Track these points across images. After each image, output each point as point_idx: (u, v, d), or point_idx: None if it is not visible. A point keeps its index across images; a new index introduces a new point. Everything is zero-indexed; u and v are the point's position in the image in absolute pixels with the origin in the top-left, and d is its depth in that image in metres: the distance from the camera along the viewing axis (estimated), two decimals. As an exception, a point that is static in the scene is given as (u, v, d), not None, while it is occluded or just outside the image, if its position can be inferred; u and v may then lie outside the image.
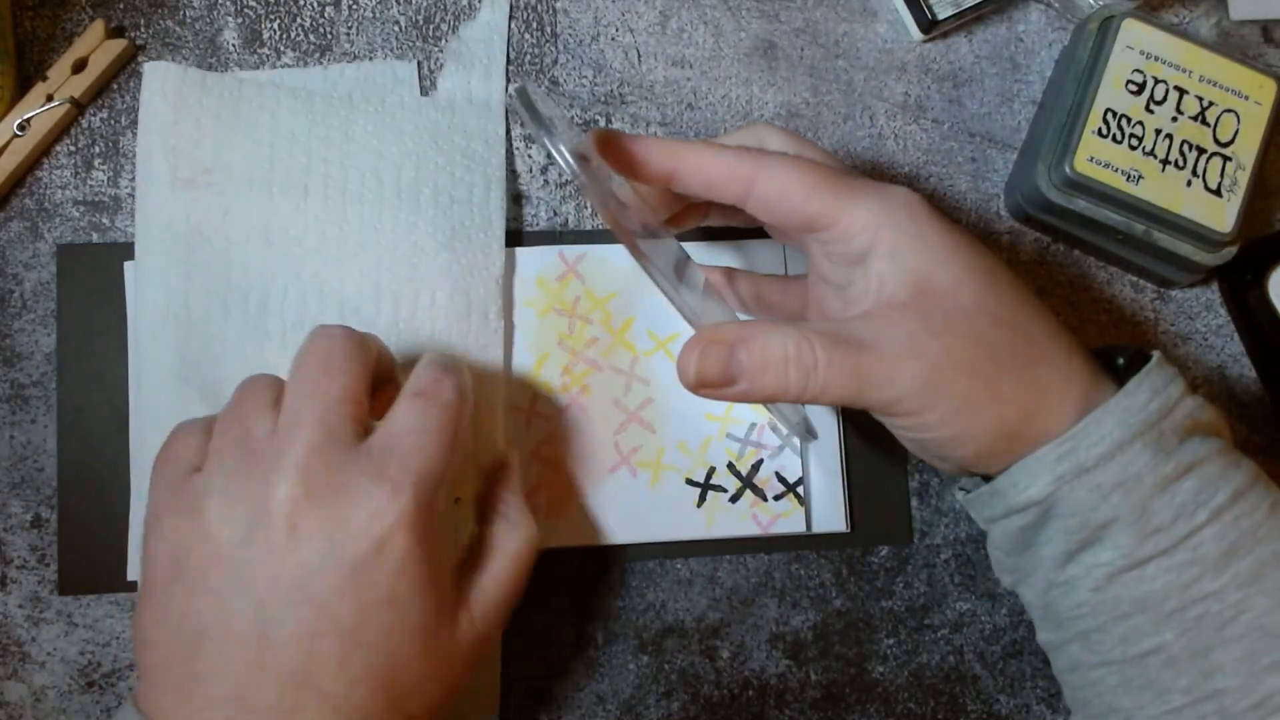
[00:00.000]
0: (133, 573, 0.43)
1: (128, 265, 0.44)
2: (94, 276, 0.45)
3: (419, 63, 0.47)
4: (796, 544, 0.46)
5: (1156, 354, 0.36)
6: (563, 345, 0.45)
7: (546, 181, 0.47)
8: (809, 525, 0.45)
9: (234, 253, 0.43)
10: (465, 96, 0.46)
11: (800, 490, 0.45)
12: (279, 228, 0.44)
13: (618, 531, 0.45)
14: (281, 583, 0.32)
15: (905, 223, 0.35)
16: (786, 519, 0.45)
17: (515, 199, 0.47)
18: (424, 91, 0.47)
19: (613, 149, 0.37)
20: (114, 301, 0.44)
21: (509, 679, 0.45)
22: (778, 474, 0.45)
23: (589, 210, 0.47)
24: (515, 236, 0.46)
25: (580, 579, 0.46)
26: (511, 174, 0.47)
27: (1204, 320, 0.49)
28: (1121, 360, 0.38)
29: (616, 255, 0.46)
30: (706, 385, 0.35)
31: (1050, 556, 0.36)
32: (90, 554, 0.43)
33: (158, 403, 0.42)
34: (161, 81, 0.44)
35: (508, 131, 0.47)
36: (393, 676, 0.33)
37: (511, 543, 0.38)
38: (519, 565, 0.38)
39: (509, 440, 0.44)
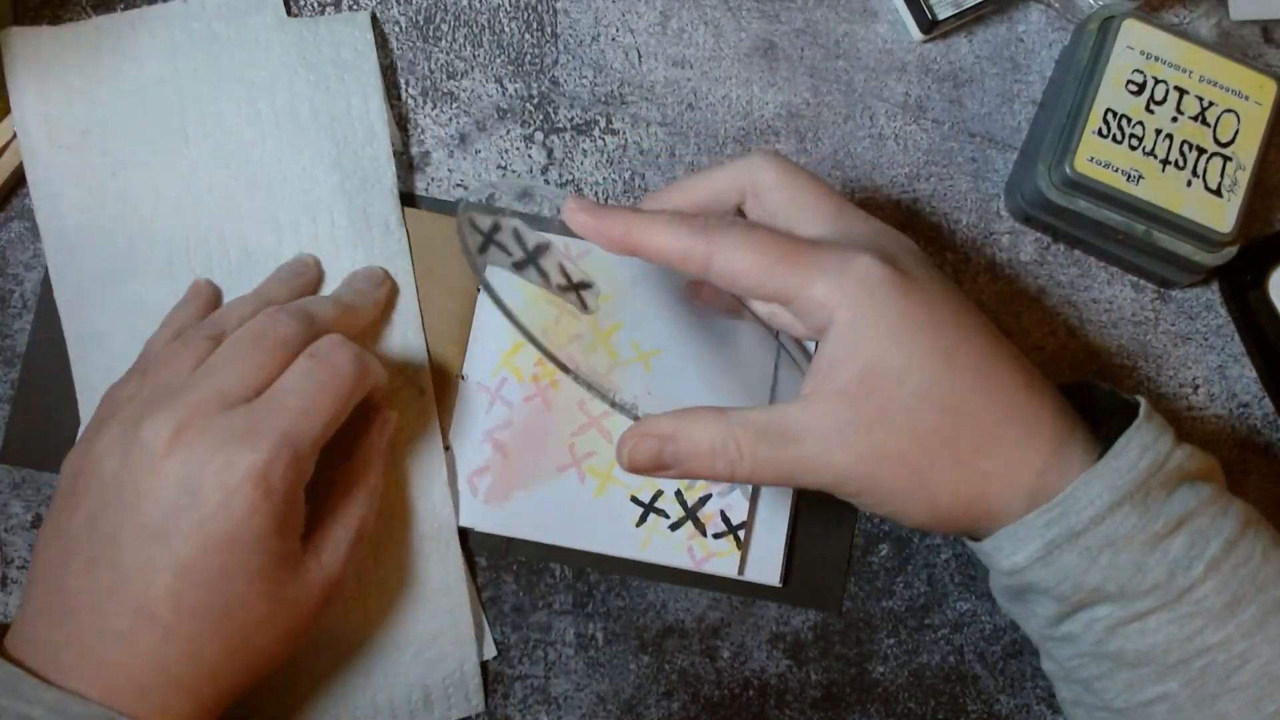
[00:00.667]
0: None
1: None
2: None
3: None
4: (725, 586, 0.45)
5: (1143, 405, 0.36)
6: (544, 335, 0.45)
7: (547, 181, 0.47)
8: (741, 570, 0.45)
9: (130, 213, 0.43)
10: (330, 3, 0.46)
11: (740, 534, 0.45)
12: (167, 177, 0.44)
13: (552, 532, 0.45)
14: (138, 517, 0.34)
15: (862, 302, 0.34)
16: (721, 559, 0.45)
17: (517, 198, 0.47)
18: (290, 10, 0.46)
19: (580, 225, 0.37)
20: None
21: (508, 678, 0.45)
22: (723, 513, 0.45)
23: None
24: (527, 220, 0.46)
25: (581, 579, 0.46)
26: (511, 173, 0.47)
27: (1204, 320, 0.49)
28: (1101, 403, 0.38)
29: (618, 258, 0.46)
30: (639, 471, 0.36)
31: (1045, 615, 0.36)
32: (38, 433, 0.44)
33: (92, 370, 0.43)
34: (20, 48, 0.44)
35: (377, 36, 0.46)
36: (230, 614, 0.35)
37: (364, 490, 0.40)
38: (367, 512, 0.40)
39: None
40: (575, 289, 0.44)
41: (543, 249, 0.43)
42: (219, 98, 0.44)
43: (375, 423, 0.41)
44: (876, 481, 0.35)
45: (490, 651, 0.44)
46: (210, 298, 0.43)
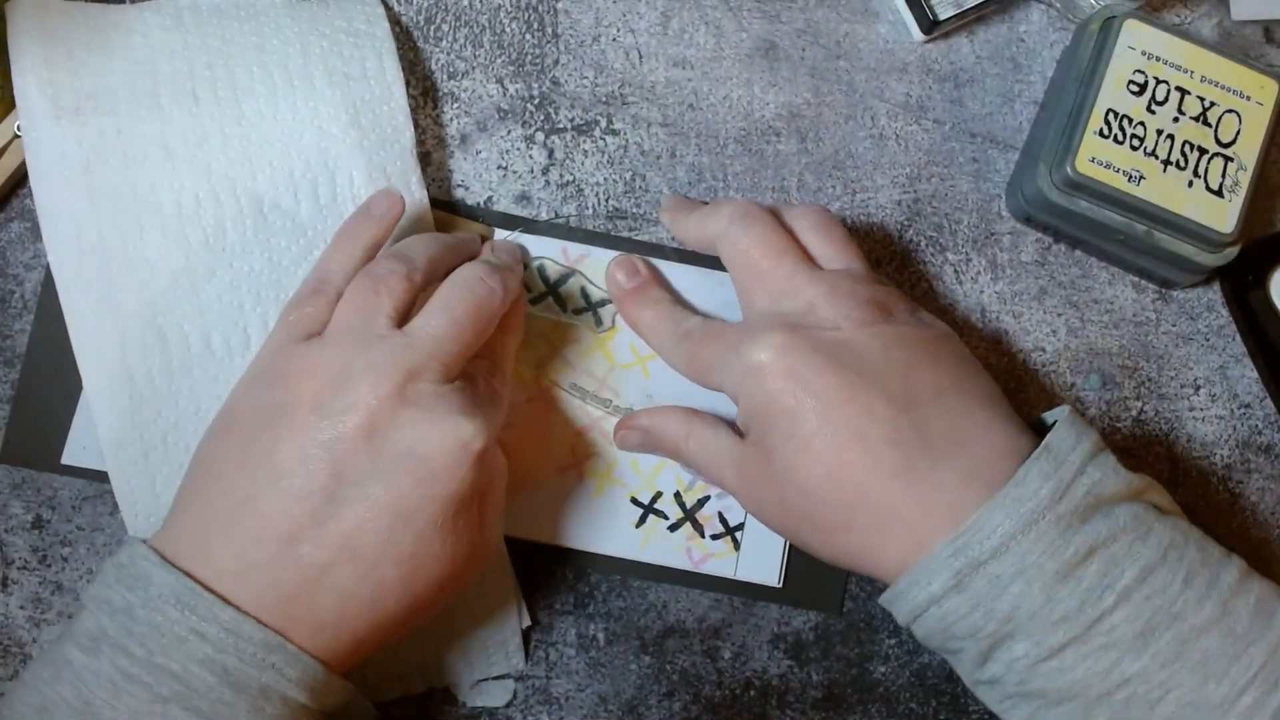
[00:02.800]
0: (68, 457, 0.43)
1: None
2: None
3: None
4: (723, 587, 0.45)
5: (1053, 431, 0.37)
6: (545, 338, 0.45)
7: (548, 182, 0.47)
8: (739, 571, 0.45)
9: (135, 169, 0.43)
10: None
11: (738, 535, 0.45)
12: (176, 136, 0.43)
13: (553, 532, 0.45)
14: (360, 458, 0.35)
15: (747, 395, 0.39)
16: (718, 560, 0.45)
17: (518, 199, 0.47)
18: None
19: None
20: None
21: (509, 678, 0.45)
22: (721, 514, 0.45)
23: (591, 211, 0.47)
24: (527, 223, 0.46)
25: (582, 579, 0.46)
26: (512, 173, 0.47)
27: (1205, 321, 0.49)
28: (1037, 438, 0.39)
29: (665, 270, 0.46)
30: (629, 450, 0.45)
31: (969, 658, 0.37)
32: (36, 431, 0.44)
33: (97, 333, 0.42)
34: (25, 17, 0.43)
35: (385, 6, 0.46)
36: (421, 566, 0.36)
37: (500, 457, 0.40)
38: (501, 496, 0.40)
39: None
40: (593, 308, 0.45)
41: (564, 278, 0.45)
42: (230, 64, 0.44)
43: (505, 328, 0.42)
44: (768, 525, 0.41)
45: (526, 620, 0.45)
46: (399, 217, 0.42)
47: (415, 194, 0.44)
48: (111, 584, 0.34)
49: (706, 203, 0.45)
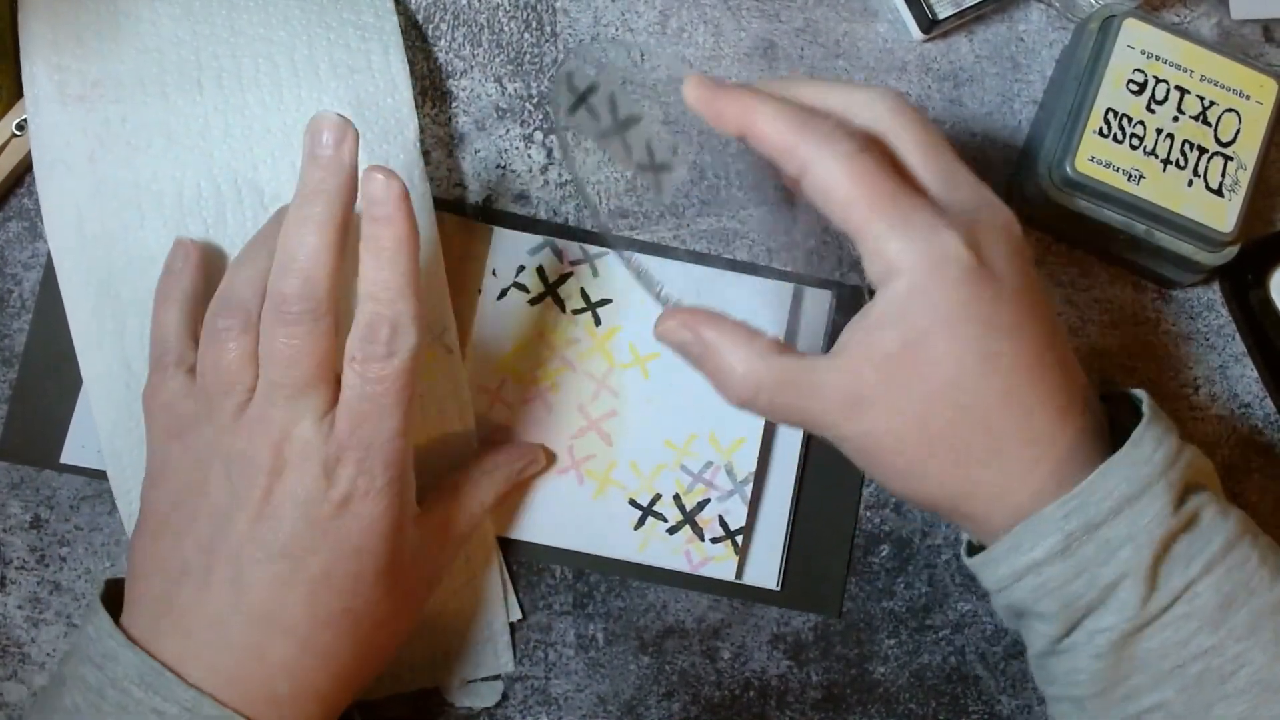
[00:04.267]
0: (67, 456, 0.43)
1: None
2: None
3: None
4: (723, 590, 0.45)
5: (1146, 400, 0.36)
6: (543, 339, 0.45)
7: (547, 182, 0.47)
8: (739, 575, 0.45)
9: (138, 158, 0.43)
10: None
11: (738, 539, 0.45)
12: (179, 126, 0.43)
13: (551, 533, 0.45)
14: (257, 539, 0.35)
15: (927, 277, 0.33)
16: (718, 564, 0.45)
17: (516, 198, 0.47)
18: None
19: (696, 100, 0.37)
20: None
21: (508, 678, 0.45)
22: (721, 517, 0.45)
23: (590, 212, 0.47)
24: (526, 222, 0.46)
25: (581, 579, 0.45)
26: (511, 172, 0.47)
27: (1205, 320, 0.49)
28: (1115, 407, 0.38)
29: (618, 262, 0.46)
30: (663, 342, 0.38)
31: (1051, 629, 0.35)
32: (35, 430, 0.44)
33: (96, 321, 0.42)
34: (37, 2, 0.43)
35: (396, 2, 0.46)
36: (360, 617, 0.36)
37: (468, 495, 0.42)
38: (471, 512, 0.41)
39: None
40: (655, 169, 0.43)
41: (633, 120, 0.41)
42: (236, 54, 0.44)
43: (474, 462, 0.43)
44: (874, 455, 0.35)
45: (515, 614, 0.45)
46: (199, 259, 0.41)
47: (419, 188, 0.44)
48: (85, 660, 0.35)
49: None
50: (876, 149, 0.35)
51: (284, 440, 0.35)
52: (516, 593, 0.45)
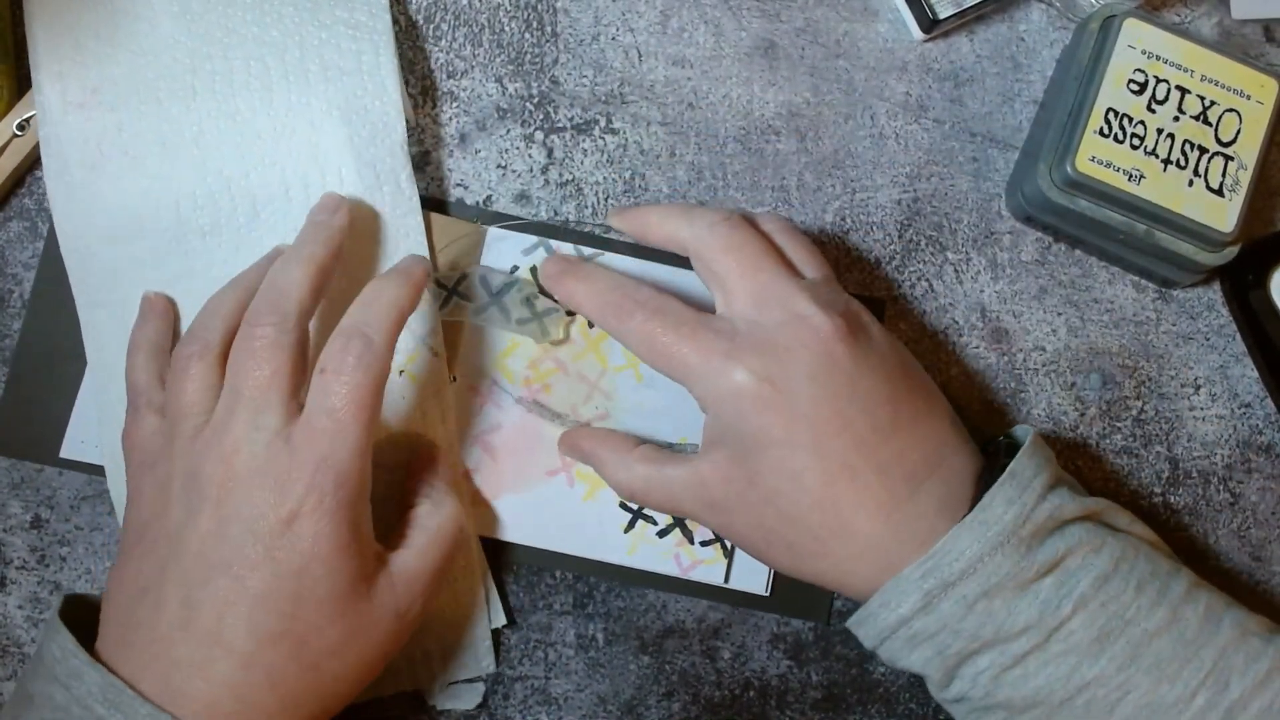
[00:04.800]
0: (66, 451, 0.44)
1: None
2: None
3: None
4: (712, 594, 0.45)
5: (1019, 454, 0.38)
6: (535, 340, 0.45)
7: (547, 181, 0.47)
8: (727, 579, 0.45)
9: (137, 168, 0.43)
10: None
11: (728, 543, 0.45)
12: (173, 134, 0.43)
13: (540, 536, 0.44)
14: (205, 556, 0.36)
15: (725, 412, 0.38)
16: (707, 567, 0.44)
17: (517, 198, 0.47)
18: None
19: (545, 278, 0.43)
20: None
21: (508, 678, 0.45)
22: None
23: (589, 211, 0.47)
24: (526, 222, 0.46)
25: (581, 580, 0.45)
26: (511, 172, 0.47)
27: (1206, 320, 0.48)
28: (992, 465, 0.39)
29: (616, 262, 0.46)
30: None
31: (935, 677, 0.38)
32: (32, 423, 0.44)
33: (104, 325, 0.43)
34: (39, 7, 0.44)
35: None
36: (304, 639, 0.36)
37: (434, 520, 0.40)
38: (441, 542, 0.40)
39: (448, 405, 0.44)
40: (539, 318, 0.45)
41: (508, 287, 0.44)
42: (229, 55, 0.44)
43: (430, 457, 0.43)
44: (738, 544, 0.40)
45: (500, 619, 0.44)
46: (168, 310, 0.43)
47: (405, 191, 0.44)
48: (52, 679, 0.35)
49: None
50: (664, 309, 0.39)
51: (234, 453, 0.36)
52: (505, 596, 0.45)
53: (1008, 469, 0.37)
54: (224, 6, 0.44)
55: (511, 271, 0.46)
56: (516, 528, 0.44)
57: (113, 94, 0.43)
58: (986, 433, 0.45)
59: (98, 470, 0.43)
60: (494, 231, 0.46)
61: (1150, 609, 0.36)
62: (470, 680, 0.44)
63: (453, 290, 0.44)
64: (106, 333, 0.43)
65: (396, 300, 0.38)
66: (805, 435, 0.37)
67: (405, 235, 0.44)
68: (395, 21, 0.47)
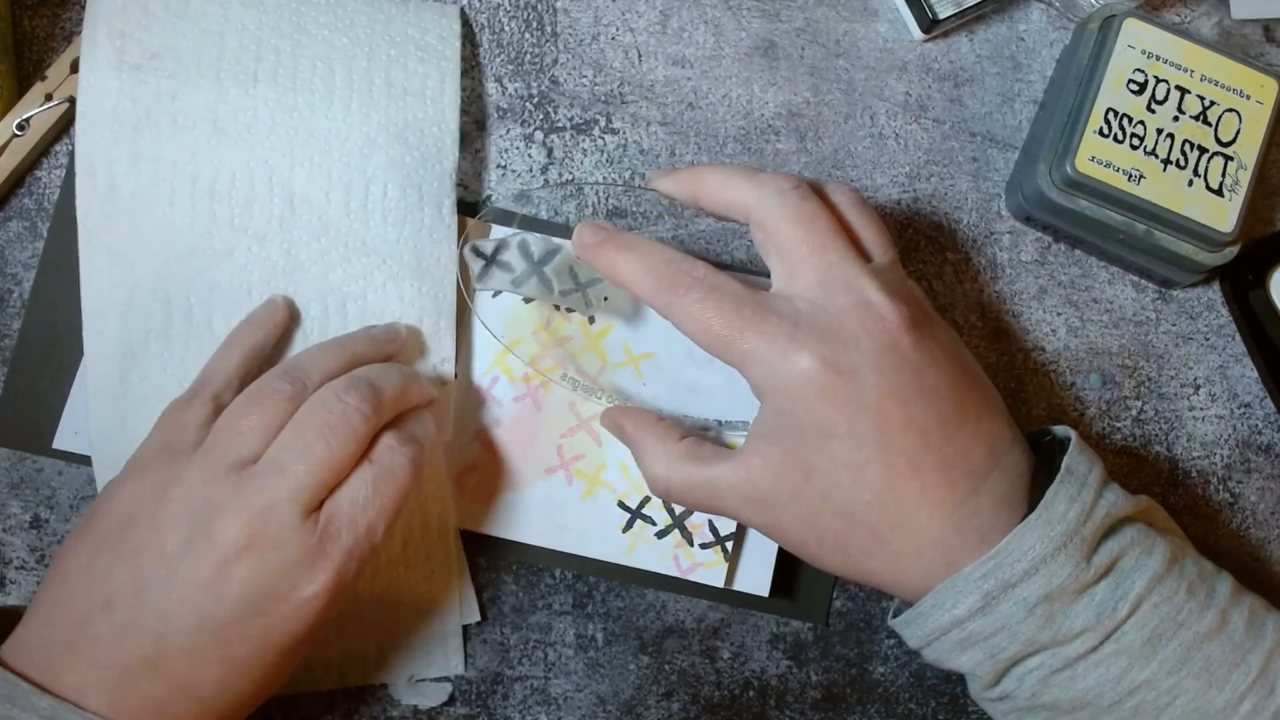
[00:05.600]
0: (59, 442, 0.43)
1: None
2: None
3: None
4: (712, 594, 0.45)
5: (1070, 451, 0.37)
6: (535, 336, 0.45)
7: (547, 181, 0.47)
8: (730, 581, 0.45)
9: (182, 136, 0.43)
10: None
11: (729, 545, 0.44)
12: (228, 113, 0.43)
13: (538, 534, 0.44)
14: (193, 605, 0.34)
15: (786, 400, 0.36)
16: (707, 570, 0.44)
17: (517, 198, 0.47)
18: None
19: (580, 248, 0.40)
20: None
21: (508, 678, 0.45)
22: (711, 523, 0.44)
23: (590, 211, 0.47)
24: (527, 221, 0.46)
25: (581, 579, 0.45)
26: (511, 172, 0.47)
27: (1205, 320, 0.48)
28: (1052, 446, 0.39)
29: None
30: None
31: (982, 677, 0.37)
32: (28, 414, 0.44)
33: (107, 288, 0.42)
34: None
35: (465, 26, 0.47)
36: (262, 687, 0.36)
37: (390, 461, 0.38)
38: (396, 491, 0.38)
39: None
40: (582, 289, 0.44)
41: (551, 254, 0.43)
42: (296, 52, 0.44)
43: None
44: (782, 542, 0.38)
45: (474, 616, 0.44)
46: (284, 324, 0.42)
47: (445, 218, 0.44)
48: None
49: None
50: (723, 285, 0.37)
51: (265, 515, 0.35)
52: (503, 595, 0.45)
53: (1063, 466, 0.36)
54: (298, 3, 0.45)
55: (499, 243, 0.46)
56: (513, 525, 0.44)
57: (173, 63, 0.43)
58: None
59: (89, 461, 0.43)
60: (495, 229, 0.46)
61: (1200, 612, 0.35)
62: (438, 680, 0.44)
63: (491, 259, 0.42)
64: (103, 277, 0.42)
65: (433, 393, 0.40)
66: (870, 428, 0.35)
67: (436, 261, 0.44)
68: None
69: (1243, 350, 0.48)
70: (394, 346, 0.42)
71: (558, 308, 0.45)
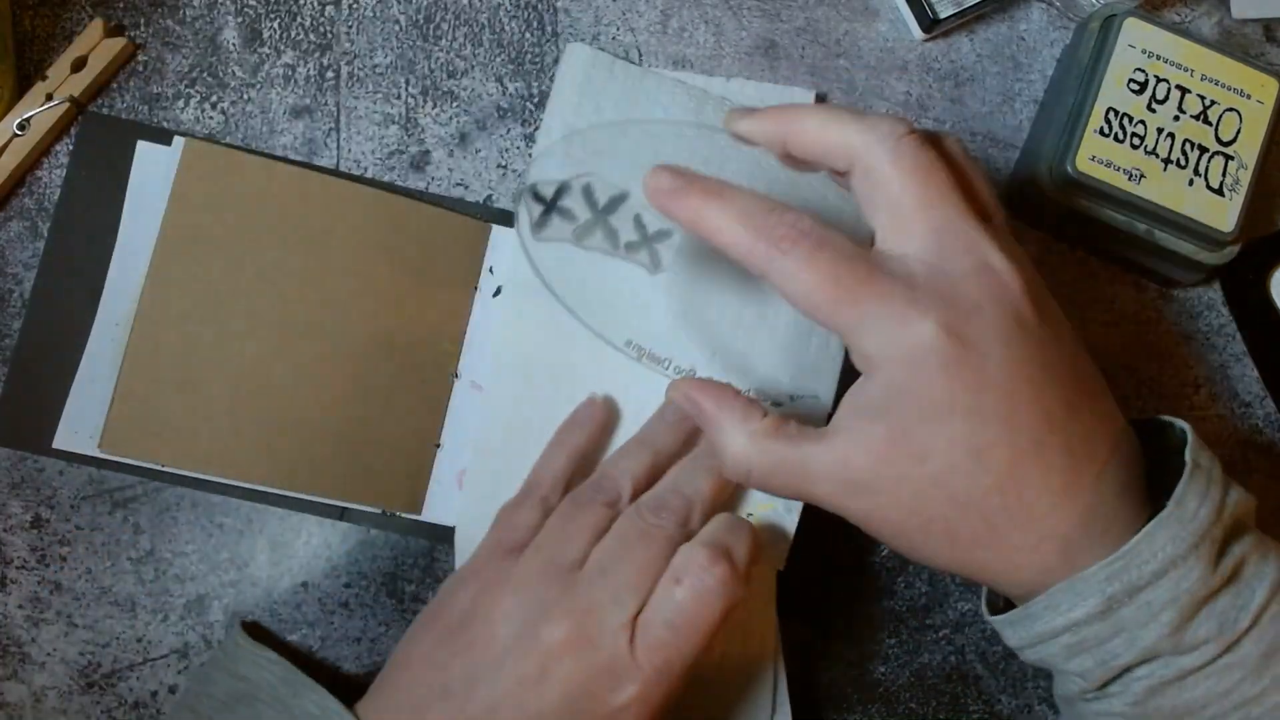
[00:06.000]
0: (59, 441, 0.43)
1: (140, 145, 0.45)
2: (111, 152, 0.45)
3: (817, 93, 0.48)
4: None
5: (1189, 444, 0.34)
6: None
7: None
8: None
9: (688, 136, 0.43)
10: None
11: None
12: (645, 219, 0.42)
13: None
14: (516, 699, 0.35)
15: (903, 370, 0.32)
16: None
17: (517, 197, 0.47)
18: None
19: (652, 194, 0.35)
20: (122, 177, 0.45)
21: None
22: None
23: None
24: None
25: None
26: (512, 172, 0.47)
27: (1206, 320, 0.49)
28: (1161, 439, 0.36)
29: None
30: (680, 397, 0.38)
31: (1087, 681, 0.34)
32: (28, 415, 0.44)
33: (510, 387, 0.43)
34: (577, 64, 0.45)
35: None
36: None
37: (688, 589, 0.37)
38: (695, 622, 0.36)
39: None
40: (648, 242, 0.40)
41: (618, 201, 0.39)
42: (724, 167, 0.43)
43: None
44: (877, 532, 0.34)
45: (785, 718, 0.43)
46: (604, 422, 0.42)
47: (832, 351, 0.43)
48: None
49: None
50: (832, 238, 0.33)
51: (587, 614, 0.35)
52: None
53: (1189, 459, 0.33)
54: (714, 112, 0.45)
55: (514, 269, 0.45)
56: None
57: (609, 166, 0.42)
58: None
59: (88, 461, 0.43)
60: (496, 229, 0.46)
61: None
62: None
63: (551, 204, 0.39)
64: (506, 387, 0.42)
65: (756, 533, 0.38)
66: (996, 404, 0.32)
67: (819, 398, 0.43)
68: (389, 38, 0.47)
69: (1243, 350, 0.48)
70: (687, 425, 0.41)
71: (615, 244, 0.41)
